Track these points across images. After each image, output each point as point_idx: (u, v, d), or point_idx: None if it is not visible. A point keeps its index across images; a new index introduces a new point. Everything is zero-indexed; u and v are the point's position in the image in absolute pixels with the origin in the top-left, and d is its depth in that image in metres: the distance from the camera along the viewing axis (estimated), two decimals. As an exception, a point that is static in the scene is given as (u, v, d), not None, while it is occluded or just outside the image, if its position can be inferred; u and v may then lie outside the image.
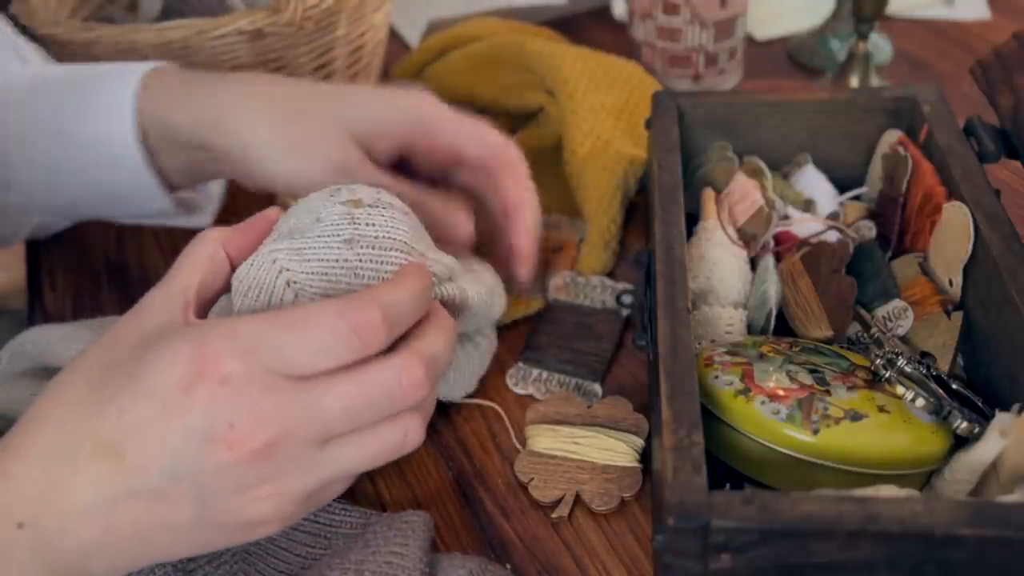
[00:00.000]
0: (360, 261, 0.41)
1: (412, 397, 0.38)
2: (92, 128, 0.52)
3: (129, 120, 0.51)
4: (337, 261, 0.41)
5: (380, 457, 0.39)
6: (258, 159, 0.49)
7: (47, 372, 0.51)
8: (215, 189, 0.63)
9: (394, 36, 0.92)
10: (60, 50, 0.69)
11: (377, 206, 0.43)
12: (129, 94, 0.51)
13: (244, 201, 0.65)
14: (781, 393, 0.42)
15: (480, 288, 0.48)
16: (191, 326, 0.37)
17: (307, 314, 0.36)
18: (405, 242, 0.43)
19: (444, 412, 0.53)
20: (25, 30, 0.68)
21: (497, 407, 0.53)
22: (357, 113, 0.49)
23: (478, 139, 0.51)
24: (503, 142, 0.51)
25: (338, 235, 0.41)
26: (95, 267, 0.67)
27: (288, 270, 0.40)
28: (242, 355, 0.35)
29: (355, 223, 0.42)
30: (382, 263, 0.41)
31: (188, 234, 0.66)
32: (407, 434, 0.39)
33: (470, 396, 0.53)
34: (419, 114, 0.50)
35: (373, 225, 0.42)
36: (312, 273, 0.40)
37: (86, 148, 0.53)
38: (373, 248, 0.41)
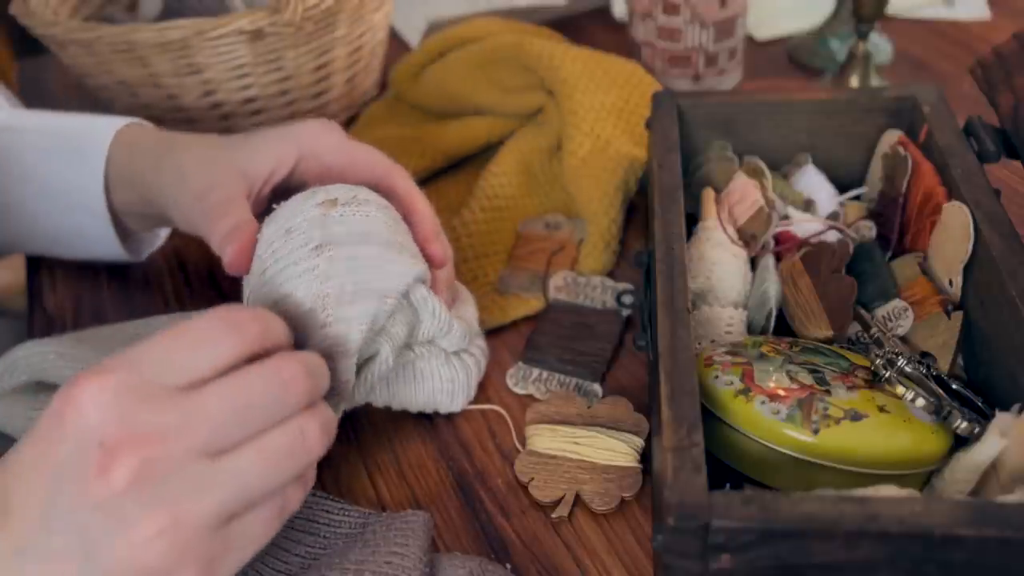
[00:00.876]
0: (329, 264, 0.42)
1: (294, 390, 0.36)
2: (64, 175, 0.57)
3: (100, 172, 0.56)
4: (306, 271, 0.42)
5: (282, 464, 0.35)
6: (183, 220, 0.52)
7: (42, 388, 0.50)
8: (162, 232, 0.66)
9: (394, 36, 0.92)
10: (60, 50, 0.69)
11: (350, 204, 0.44)
12: (102, 148, 0.56)
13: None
14: (781, 393, 0.42)
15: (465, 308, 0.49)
16: None
17: (190, 322, 0.35)
18: (379, 234, 0.43)
19: (445, 413, 0.53)
20: (25, 30, 0.68)
21: (498, 408, 0.53)
22: (257, 148, 0.52)
23: (361, 158, 0.52)
24: (385, 159, 0.53)
25: (307, 244, 0.42)
26: (95, 267, 0.67)
27: (274, 303, 0.42)
28: (115, 373, 0.33)
29: (325, 226, 0.43)
30: (354, 259, 0.42)
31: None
32: (305, 434, 0.36)
33: (471, 402, 0.53)
34: (300, 132, 0.52)
35: (344, 223, 0.43)
36: (287, 295, 0.42)
37: (57, 193, 0.57)
38: (343, 246, 0.42)
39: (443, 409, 0.52)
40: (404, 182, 0.52)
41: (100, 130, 0.56)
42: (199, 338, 0.35)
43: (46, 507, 0.32)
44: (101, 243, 0.60)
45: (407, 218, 0.50)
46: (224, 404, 0.34)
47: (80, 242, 0.60)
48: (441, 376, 0.50)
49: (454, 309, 0.50)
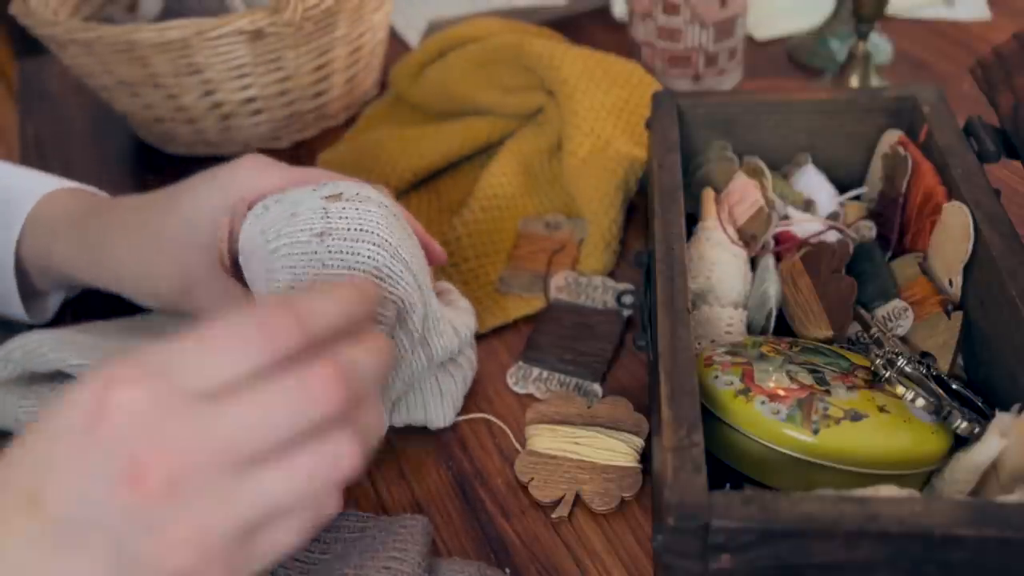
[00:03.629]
0: (329, 252, 0.42)
1: (325, 401, 0.33)
2: None
3: (12, 240, 0.54)
4: (305, 254, 0.42)
5: (313, 482, 0.34)
6: (125, 290, 0.54)
7: (35, 379, 0.50)
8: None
9: (394, 36, 0.92)
10: (60, 50, 0.69)
11: (354, 200, 0.44)
12: (20, 217, 0.55)
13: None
14: (781, 393, 0.42)
15: (455, 314, 0.49)
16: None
17: (216, 323, 0.33)
18: (378, 234, 0.43)
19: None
20: (25, 30, 0.68)
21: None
22: (195, 216, 0.50)
23: (295, 176, 0.50)
24: (329, 174, 0.51)
25: (311, 229, 0.42)
26: (95, 267, 0.67)
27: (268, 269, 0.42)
28: (147, 380, 0.32)
29: (328, 217, 0.43)
30: (352, 254, 0.42)
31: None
32: (338, 453, 0.34)
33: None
34: (238, 183, 0.50)
35: (346, 218, 0.43)
36: (282, 268, 0.42)
37: None
38: (344, 240, 0.42)
39: (431, 425, 0.51)
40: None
41: (22, 195, 0.55)
42: (226, 341, 0.33)
43: (80, 504, 0.32)
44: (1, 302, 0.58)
45: None
46: (242, 419, 0.33)
47: None
48: (430, 388, 0.50)
49: (445, 312, 0.50)
